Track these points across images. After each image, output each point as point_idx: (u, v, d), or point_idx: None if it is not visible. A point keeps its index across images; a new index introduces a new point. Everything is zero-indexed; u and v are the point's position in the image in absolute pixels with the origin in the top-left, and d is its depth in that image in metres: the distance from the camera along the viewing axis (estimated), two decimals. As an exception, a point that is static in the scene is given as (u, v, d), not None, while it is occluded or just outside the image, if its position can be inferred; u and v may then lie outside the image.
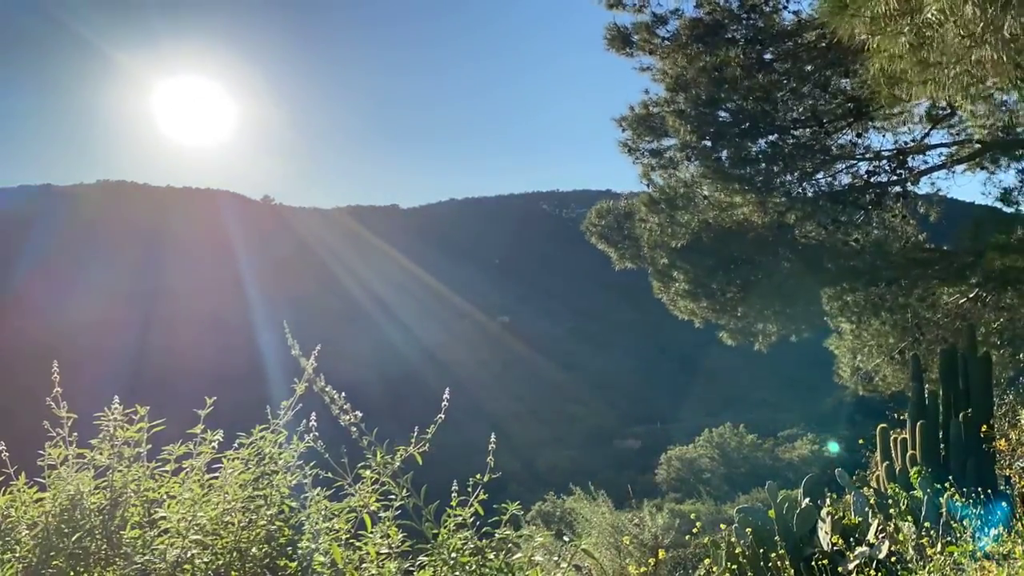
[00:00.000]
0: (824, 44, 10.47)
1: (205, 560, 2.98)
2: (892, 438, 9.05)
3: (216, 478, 3.17)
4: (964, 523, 5.70)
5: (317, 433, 3.32)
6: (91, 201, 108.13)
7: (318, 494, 3.30)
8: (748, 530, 7.22)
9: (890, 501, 7.40)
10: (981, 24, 4.02)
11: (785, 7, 11.10)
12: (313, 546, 3.21)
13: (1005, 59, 4.12)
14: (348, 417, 3.35)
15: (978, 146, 12.33)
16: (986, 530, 5.93)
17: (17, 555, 2.93)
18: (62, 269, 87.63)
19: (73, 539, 2.95)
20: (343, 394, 3.39)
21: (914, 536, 5.92)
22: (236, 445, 3.24)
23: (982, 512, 6.34)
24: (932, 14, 4.08)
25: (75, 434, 3.13)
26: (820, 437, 58.39)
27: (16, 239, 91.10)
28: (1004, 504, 7.15)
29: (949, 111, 11.87)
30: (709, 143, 11.23)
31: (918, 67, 4.65)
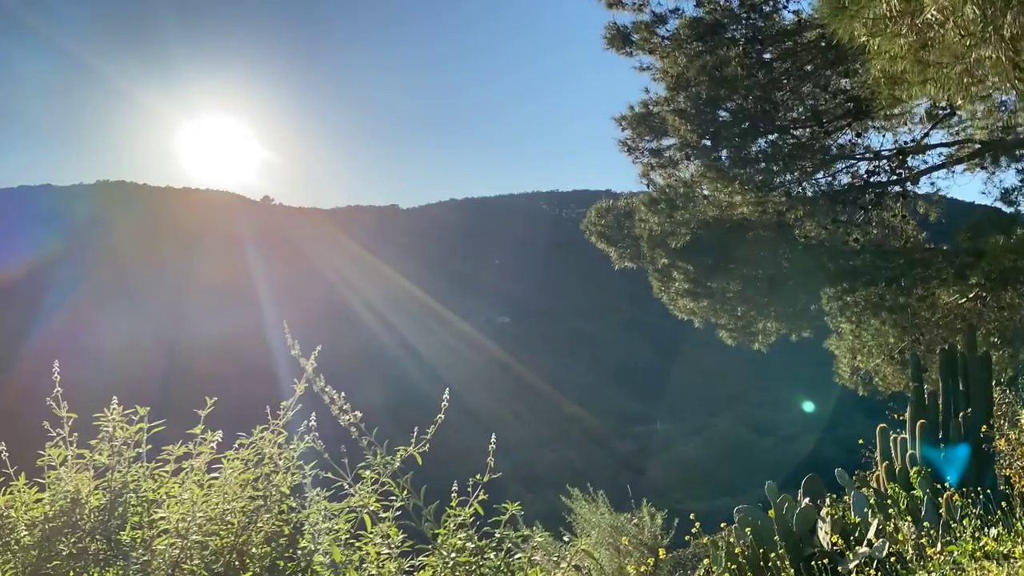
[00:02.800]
0: (824, 44, 10.47)
1: (205, 560, 2.98)
2: (892, 438, 9.04)
3: (216, 478, 3.17)
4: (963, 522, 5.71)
5: (317, 433, 3.32)
6: (90, 201, 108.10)
7: (318, 494, 3.30)
8: (747, 530, 7.21)
9: (889, 501, 7.41)
10: (981, 24, 4.01)
11: (785, 7, 11.12)
12: (313, 546, 3.21)
13: (1004, 59, 4.12)
14: (348, 417, 3.35)
15: (978, 146, 12.33)
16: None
17: (16, 555, 2.93)
18: (62, 269, 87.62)
19: (72, 539, 2.94)
20: (343, 394, 3.39)
21: (914, 536, 5.92)
22: (236, 446, 3.24)
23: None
24: (932, 14, 4.08)
25: (76, 434, 3.13)
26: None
27: (15, 239, 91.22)
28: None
29: (949, 111, 11.87)
30: (709, 142, 11.23)
31: (918, 68, 4.64)
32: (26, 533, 2.95)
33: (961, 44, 4.23)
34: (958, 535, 5.52)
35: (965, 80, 4.73)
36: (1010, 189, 12.78)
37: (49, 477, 3.08)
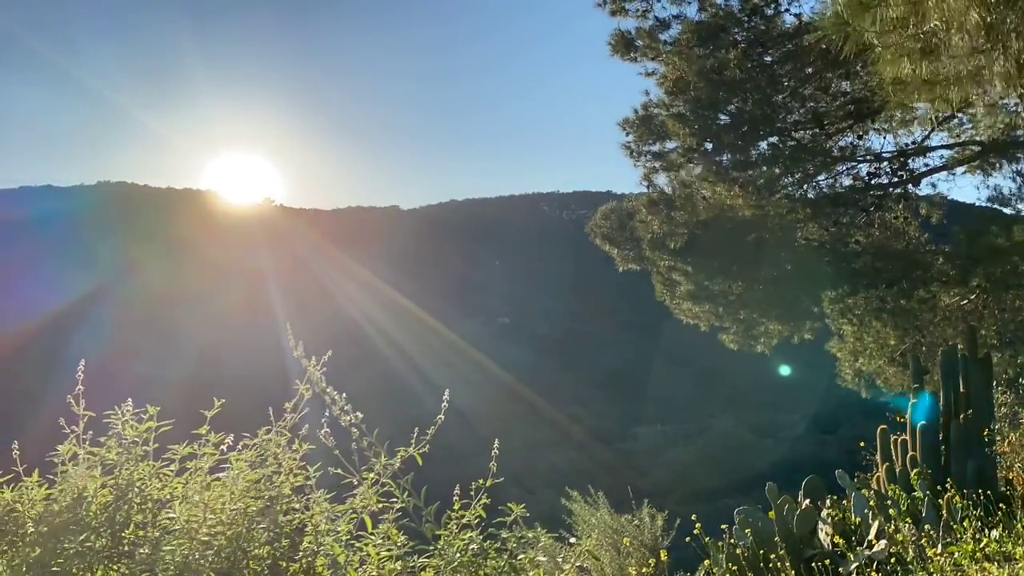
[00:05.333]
0: (824, 46, 10.47)
1: (210, 560, 2.99)
2: (892, 439, 9.04)
3: (219, 479, 3.18)
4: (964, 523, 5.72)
5: (328, 430, 3.34)
6: (90, 202, 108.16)
7: (321, 495, 3.31)
8: (748, 531, 7.23)
9: (890, 502, 7.41)
10: (984, 32, 4.02)
11: (786, 10, 11.13)
12: (315, 547, 3.23)
13: (1008, 66, 4.12)
14: (348, 418, 3.37)
15: (978, 148, 12.33)
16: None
17: (22, 551, 2.94)
18: (63, 269, 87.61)
19: (80, 537, 2.96)
20: (344, 395, 3.41)
21: (914, 537, 5.93)
22: (240, 447, 3.26)
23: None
24: (936, 23, 4.08)
25: (90, 432, 3.14)
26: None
27: (16, 239, 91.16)
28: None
29: (949, 113, 11.87)
30: (710, 146, 11.24)
31: (925, 86, 4.65)
32: (33, 529, 2.97)
33: (965, 51, 4.23)
34: (959, 536, 5.53)
35: (969, 88, 4.73)
36: (1009, 191, 12.79)
37: (58, 474, 3.09)
